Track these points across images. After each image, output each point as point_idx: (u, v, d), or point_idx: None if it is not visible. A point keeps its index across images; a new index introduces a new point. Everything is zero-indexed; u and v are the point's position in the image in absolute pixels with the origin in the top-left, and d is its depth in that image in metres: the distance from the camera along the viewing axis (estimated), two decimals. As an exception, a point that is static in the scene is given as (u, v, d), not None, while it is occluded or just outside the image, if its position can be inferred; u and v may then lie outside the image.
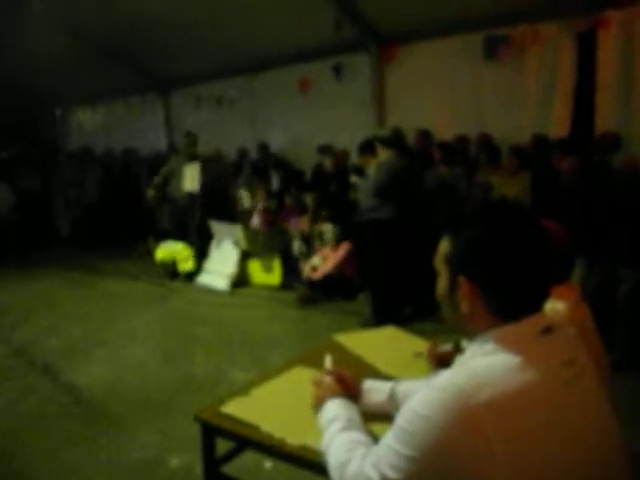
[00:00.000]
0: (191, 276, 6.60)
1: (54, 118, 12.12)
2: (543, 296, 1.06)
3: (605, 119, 5.00)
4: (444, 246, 1.13)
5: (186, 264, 6.68)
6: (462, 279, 1.06)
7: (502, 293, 1.03)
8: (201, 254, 6.68)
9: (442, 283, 1.13)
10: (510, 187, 4.75)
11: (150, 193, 6.89)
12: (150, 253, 7.26)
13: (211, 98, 8.68)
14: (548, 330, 1.05)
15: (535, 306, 1.05)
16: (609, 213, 3.97)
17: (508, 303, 1.03)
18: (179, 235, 6.83)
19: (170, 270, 6.70)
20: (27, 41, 7.47)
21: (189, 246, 6.70)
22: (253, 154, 8.03)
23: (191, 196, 6.69)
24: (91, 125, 11.33)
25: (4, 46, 7.78)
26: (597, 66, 5.05)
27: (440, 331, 2.01)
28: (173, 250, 6.74)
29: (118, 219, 8.67)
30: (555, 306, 1.50)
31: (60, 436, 3.09)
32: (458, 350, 1.71)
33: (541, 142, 5.09)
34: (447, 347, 1.85)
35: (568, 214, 3.61)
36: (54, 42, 7.72)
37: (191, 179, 6.66)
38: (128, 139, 10.06)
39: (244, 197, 6.97)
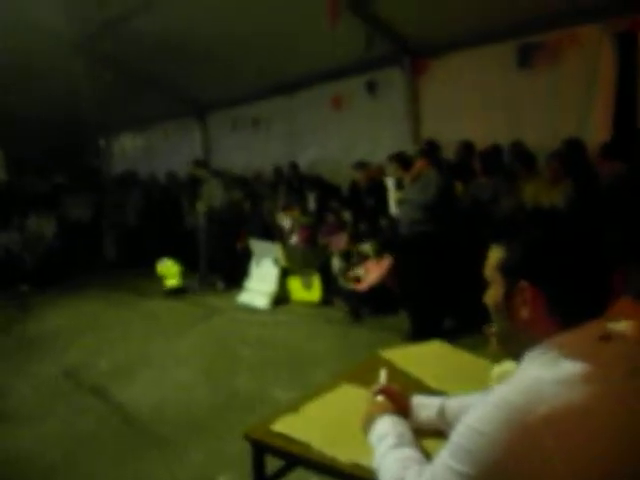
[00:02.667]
0: (177, 292, 7.05)
1: (98, 147, 12.57)
2: (605, 300, 1.03)
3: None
4: (495, 255, 1.10)
5: (172, 280, 7.11)
6: (523, 284, 1.03)
7: (566, 295, 1.01)
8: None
9: (494, 293, 1.11)
10: (549, 196, 4.62)
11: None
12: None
13: (247, 119, 8.86)
14: (607, 338, 1.01)
15: (598, 310, 1.01)
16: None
17: (572, 306, 1.01)
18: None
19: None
20: (72, 77, 7.80)
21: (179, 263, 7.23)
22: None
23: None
24: (132, 151, 11.70)
25: (52, 84, 8.14)
26: (639, 67, 4.92)
27: (481, 344, 1.97)
28: (164, 266, 7.22)
29: (159, 240, 8.87)
30: (620, 324, 1.44)
31: (111, 456, 3.16)
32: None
33: (575, 146, 4.96)
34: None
35: (611, 221, 3.50)
36: (96, 76, 8.05)
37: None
38: (168, 163, 10.33)
39: (284, 218, 7.03)
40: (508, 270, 1.07)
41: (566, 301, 1.01)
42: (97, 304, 6.88)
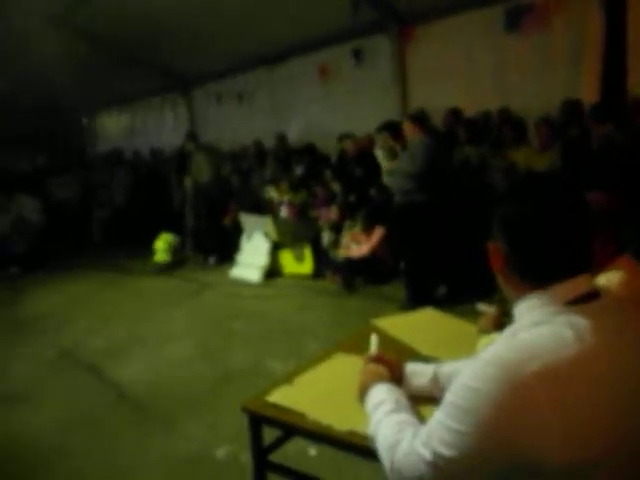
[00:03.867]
0: (166, 269, 7.11)
1: (81, 126, 12.37)
2: (574, 261, 1.03)
3: (638, 83, 4.82)
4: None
5: (160, 256, 7.21)
6: (490, 245, 1.09)
7: (519, 254, 1.05)
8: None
9: None
10: (539, 162, 4.63)
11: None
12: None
13: (232, 93, 8.73)
14: (594, 296, 1.02)
15: (566, 270, 1.02)
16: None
17: (527, 265, 1.04)
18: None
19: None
20: (49, 54, 7.62)
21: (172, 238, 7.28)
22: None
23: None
24: (116, 129, 11.55)
25: (30, 62, 7.95)
26: (627, 27, 4.87)
27: (474, 311, 1.99)
28: (161, 240, 7.33)
29: (147, 219, 8.81)
30: (610, 276, 1.45)
31: (109, 432, 3.18)
32: (506, 315, 1.70)
33: (573, 108, 4.93)
34: (489, 308, 1.86)
35: (601, 183, 3.51)
36: (76, 52, 7.87)
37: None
38: (153, 139, 10.20)
39: (271, 191, 6.99)
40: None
41: (520, 260, 1.05)
42: (88, 284, 6.86)
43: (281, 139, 7.82)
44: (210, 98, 9.23)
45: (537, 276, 1.03)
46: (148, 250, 8.15)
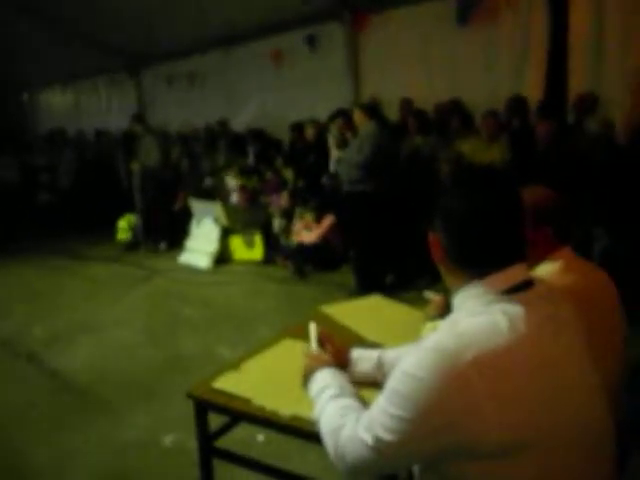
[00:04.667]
0: (130, 247, 7.24)
1: (21, 102, 11.76)
2: (510, 252, 1.08)
3: (578, 82, 5.02)
4: None
5: (123, 234, 7.41)
6: (431, 236, 1.13)
7: (462, 247, 1.09)
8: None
9: None
10: (486, 154, 4.74)
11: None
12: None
13: (183, 75, 8.52)
14: (528, 284, 1.07)
15: (502, 260, 1.06)
16: (582, 175, 4.02)
17: (469, 257, 1.08)
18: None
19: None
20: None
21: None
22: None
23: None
24: (61, 108, 11.06)
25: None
26: (569, 29, 5.05)
27: (420, 299, 2.05)
28: (125, 220, 7.52)
29: (94, 202, 8.52)
30: (547, 268, 1.52)
31: (51, 423, 3.10)
32: (449, 305, 1.76)
33: (518, 104, 5.08)
34: (436, 295, 1.92)
35: (545, 178, 3.65)
36: (17, 24, 7.47)
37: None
38: (99, 120, 9.85)
39: (227, 177, 6.89)
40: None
41: (460, 251, 1.09)
42: (30, 270, 6.59)
43: (223, 124, 7.73)
44: (160, 79, 8.97)
45: (475, 266, 1.07)
46: (95, 235, 7.95)
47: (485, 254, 1.07)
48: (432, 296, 1.96)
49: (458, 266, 1.10)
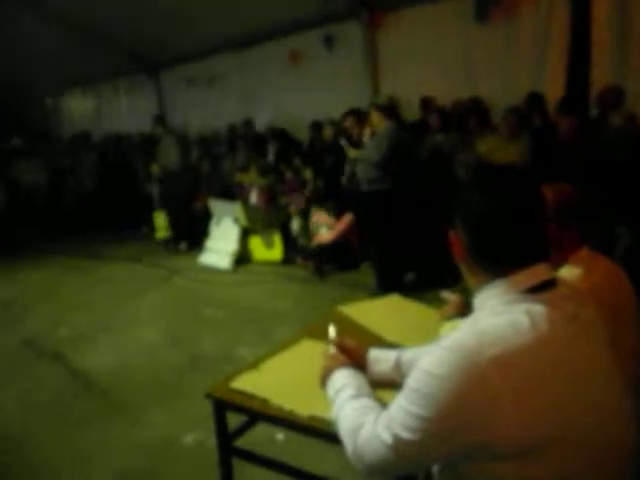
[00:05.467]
0: (168, 243, 7.33)
1: (45, 107, 11.97)
2: (533, 251, 1.07)
3: (602, 75, 4.93)
4: None
5: (162, 232, 7.43)
6: (452, 235, 1.12)
7: (485, 246, 1.08)
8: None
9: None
10: (506, 152, 4.68)
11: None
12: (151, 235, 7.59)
13: (202, 77, 8.59)
14: (551, 284, 1.06)
15: (525, 260, 1.06)
16: (605, 172, 3.94)
17: (492, 256, 1.07)
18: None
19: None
20: (12, 32, 7.36)
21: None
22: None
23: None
24: (82, 111, 11.24)
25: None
26: (592, 23, 4.96)
27: (440, 299, 2.03)
28: (158, 218, 7.53)
29: (115, 204, 8.65)
30: (571, 271, 1.49)
31: (73, 421, 3.14)
32: (467, 305, 1.74)
33: (537, 100, 5.02)
34: (453, 296, 1.90)
35: (568, 175, 3.59)
36: (39, 31, 7.61)
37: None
38: (120, 123, 9.97)
39: (241, 176, 6.93)
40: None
41: (483, 250, 1.08)
42: (54, 271, 6.71)
43: (248, 124, 7.75)
44: (179, 81, 9.06)
45: (497, 265, 1.06)
46: (117, 236, 8.06)
47: (507, 253, 1.06)
48: (449, 296, 1.94)
49: (480, 265, 1.09)
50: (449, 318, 1.84)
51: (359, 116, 4.86)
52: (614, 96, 4.62)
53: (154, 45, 8.50)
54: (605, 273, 1.52)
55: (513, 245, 1.05)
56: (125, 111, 10.17)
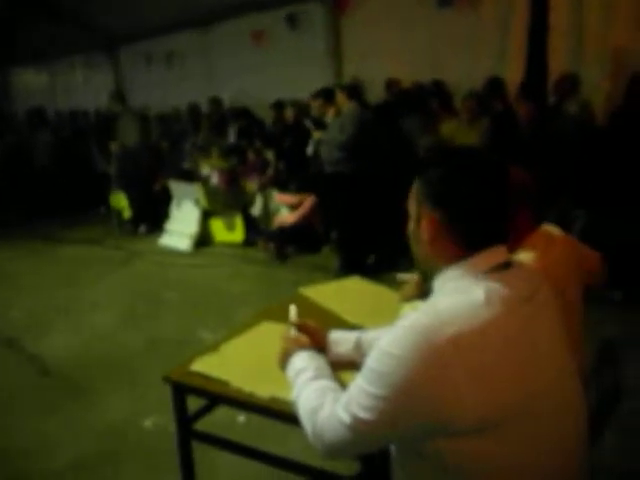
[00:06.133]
0: (127, 224, 7.09)
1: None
2: (501, 230, 1.10)
3: (558, 63, 5.03)
4: (415, 188, 1.15)
5: (127, 212, 7.13)
6: (425, 210, 1.10)
7: (462, 222, 1.07)
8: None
9: (410, 221, 1.17)
10: (467, 136, 4.74)
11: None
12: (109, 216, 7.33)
13: (162, 54, 8.36)
14: (507, 265, 1.08)
15: (494, 238, 1.08)
16: (562, 157, 4.04)
17: (469, 232, 1.07)
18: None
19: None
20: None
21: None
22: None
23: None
24: (36, 87, 10.80)
25: None
26: (550, 10, 5.04)
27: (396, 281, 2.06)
28: (118, 199, 7.27)
29: (72, 183, 8.36)
30: (527, 254, 1.53)
31: (30, 407, 3.07)
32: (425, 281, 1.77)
33: (497, 85, 5.09)
34: (411, 277, 1.92)
35: (526, 159, 3.67)
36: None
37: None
38: (75, 100, 9.65)
39: (201, 162, 6.77)
40: (417, 199, 1.13)
41: (463, 228, 1.07)
42: (8, 254, 6.45)
43: (216, 103, 7.55)
44: (138, 57, 8.80)
45: (468, 247, 1.07)
46: (75, 217, 7.80)
47: (481, 235, 1.07)
48: (406, 278, 1.96)
49: (453, 246, 1.08)
50: (409, 299, 1.86)
51: (328, 97, 4.81)
52: (570, 84, 4.73)
53: (111, 19, 8.21)
54: (559, 259, 1.57)
55: (486, 227, 1.07)
56: (81, 88, 9.83)
